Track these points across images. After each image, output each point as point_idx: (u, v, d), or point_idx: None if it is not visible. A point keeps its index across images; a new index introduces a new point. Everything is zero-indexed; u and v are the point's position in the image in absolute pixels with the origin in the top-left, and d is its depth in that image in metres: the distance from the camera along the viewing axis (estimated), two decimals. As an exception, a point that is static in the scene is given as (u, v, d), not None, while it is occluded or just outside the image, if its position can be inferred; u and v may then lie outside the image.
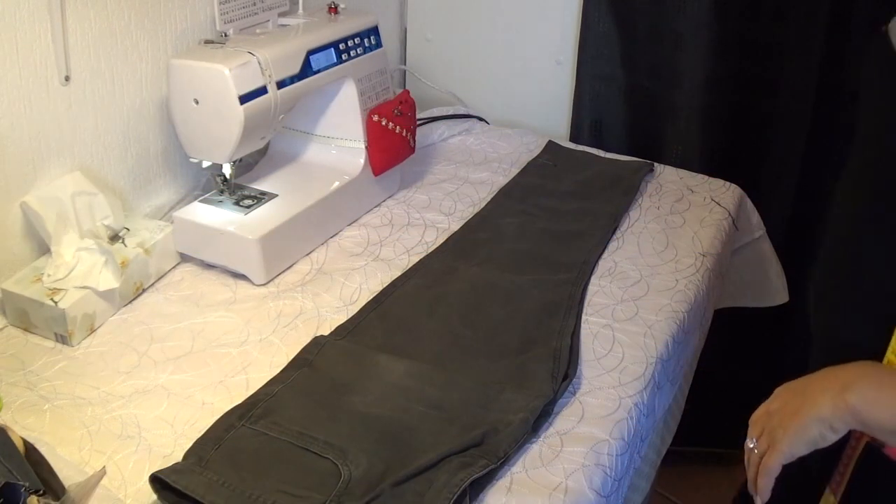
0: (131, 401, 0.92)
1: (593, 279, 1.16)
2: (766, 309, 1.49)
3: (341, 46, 1.23)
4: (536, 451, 0.87)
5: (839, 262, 0.85)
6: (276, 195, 1.21)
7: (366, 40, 1.28)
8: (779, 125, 1.52)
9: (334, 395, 0.92)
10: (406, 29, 1.78)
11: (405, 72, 1.81)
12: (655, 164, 1.48)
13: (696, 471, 1.78)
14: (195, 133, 1.12)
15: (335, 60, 1.22)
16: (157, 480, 0.79)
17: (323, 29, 1.22)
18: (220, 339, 1.03)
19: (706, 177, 1.46)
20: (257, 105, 1.09)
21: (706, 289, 1.19)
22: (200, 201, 1.19)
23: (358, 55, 1.26)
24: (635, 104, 1.58)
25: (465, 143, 1.57)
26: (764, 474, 0.74)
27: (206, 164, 1.17)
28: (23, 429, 0.85)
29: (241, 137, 1.09)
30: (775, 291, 1.48)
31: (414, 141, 1.36)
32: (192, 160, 1.16)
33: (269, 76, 1.10)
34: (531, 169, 1.46)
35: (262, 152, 1.33)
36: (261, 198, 1.20)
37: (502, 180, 1.42)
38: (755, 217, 1.45)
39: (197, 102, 1.08)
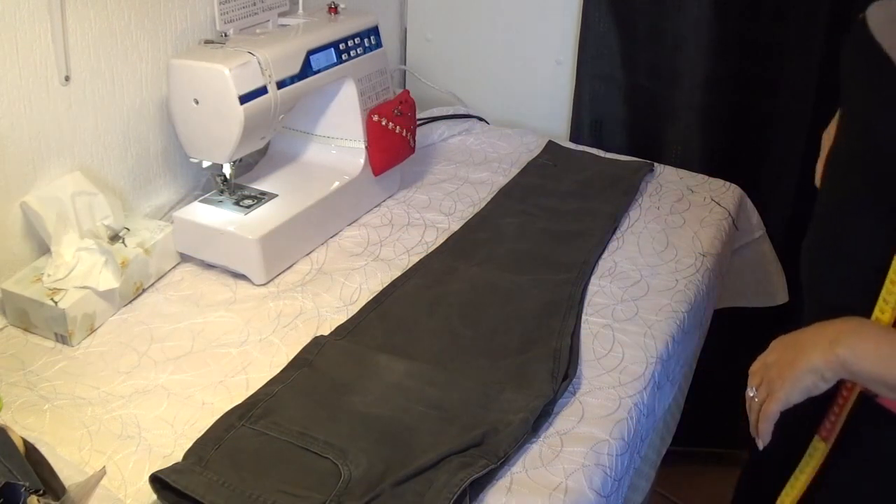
0: (131, 401, 0.92)
1: (593, 279, 1.16)
2: (766, 309, 1.49)
3: (341, 46, 1.23)
4: (536, 451, 0.87)
5: (829, 234, 0.89)
6: (276, 195, 1.21)
7: (366, 40, 1.28)
8: (779, 125, 1.52)
9: (334, 395, 0.92)
10: (406, 29, 1.78)
11: (405, 72, 1.81)
12: (655, 164, 1.48)
13: (696, 471, 1.78)
14: (195, 133, 1.12)
15: (335, 60, 1.22)
16: (157, 480, 0.79)
17: (323, 29, 1.22)
18: (220, 339, 1.03)
19: (706, 177, 1.46)
20: (257, 105, 1.09)
21: (706, 289, 1.19)
22: (200, 201, 1.19)
23: (358, 55, 1.26)
24: (635, 104, 1.58)
25: (465, 143, 1.57)
26: (764, 420, 0.81)
27: (206, 164, 1.17)
28: (23, 429, 0.85)
29: (241, 137, 1.09)
30: (775, 291, 1.48)
31: (414, 141, 1.36)
32: (192, 160, 1.16)
33: (269, 76, 1.10)
34: (531, 169, 1.46)
35: (262, 152, 1.33)
36: (261, 198, 1.20)
37: (502, 180, 1.42)
38: (755, 217, 1.45)
39: (197, 102, 1.08)
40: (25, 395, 0.92)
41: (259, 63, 1.09)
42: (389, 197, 1.37)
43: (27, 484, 0.69)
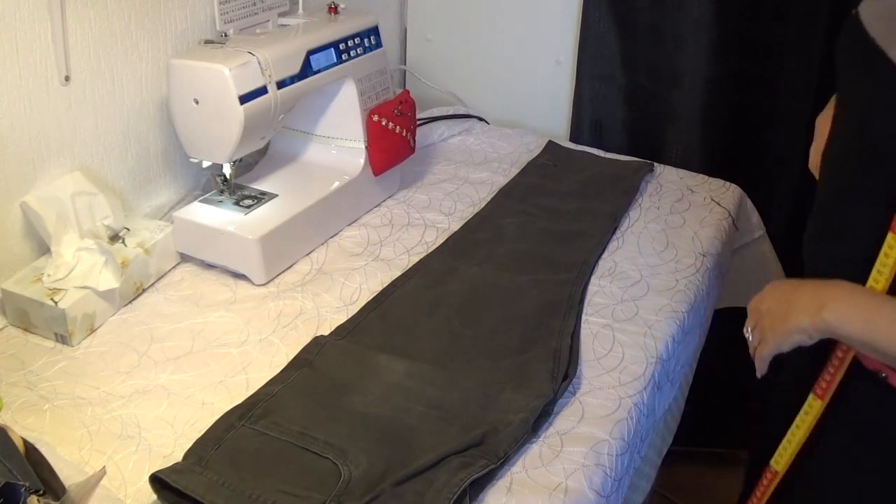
0: (131, 401, 0.92)
1: (593, 279, 1.16)
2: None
3: (341, 46, 1.23)
4: (536, 451, 0.87)
5: (828, 224, 0.93)
6: (276, 195, 1.21)
7: (366, 40, 1.28)
8: (779, 125, 1.52)
9: (334, 395, 0.92)
10: (406, 29, 1.78)
11: (405, 72, 1.81)
12: (655, 164, 1.48)
13: (696, 471, 1.78)
14: (195, 133, 1.12)
15: (335, 60, 1.22)
16: (157, 480, 0.79)
17: (323, 29, 1.22)
18: (220, 339, 1.03)
19: (706, 177, 1.46)
20: (257, 105, 1.09)
21: (706, 289, 1.19)
22: (200, 201, 1.19)
23: (358, 55, 1.26)
24: (635, 104, 1.58)
25: (465, 143, 1.57)
26: (758, 360, 0.91)
27: (206, 164, 1.17)
28: (23, 429, 0.85)
29: (241, 137, 1.09)
30: (775, 291, 1.48)
31: (414, 141, 1.36)
32: (192, 160, 1.16)
33: (269, 76, 1.10)
34: (531, 169, 1.46)
35: (262, 152, 1.33)
36: (261, 198, 1.20)
37: (502, 180, 1.42)
38: (755, 217, 1.45)
39: (197, 102, 1.08)
40: (25, 395, 0.92)
41: (259, 63, 1.09)
42: (389, 197, 1.37)
43: (27, 484, 0.69)
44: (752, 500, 1.01)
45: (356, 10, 1.30)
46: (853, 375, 0.87)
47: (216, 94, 1.07)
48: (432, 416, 0.89)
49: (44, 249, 1.08)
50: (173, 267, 1.17)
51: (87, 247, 1.04)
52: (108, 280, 1.03)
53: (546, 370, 0.96)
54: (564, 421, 0.91)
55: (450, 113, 1.63)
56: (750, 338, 0.93)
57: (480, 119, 1.66)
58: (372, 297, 1.11)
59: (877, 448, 0.88)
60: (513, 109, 1.71)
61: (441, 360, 0.99)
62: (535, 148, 1.54)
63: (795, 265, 1.49)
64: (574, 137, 1.63)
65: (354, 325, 1.05)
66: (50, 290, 1.01)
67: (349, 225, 1.28)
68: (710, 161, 1.54)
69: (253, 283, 1.13)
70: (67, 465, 0.78)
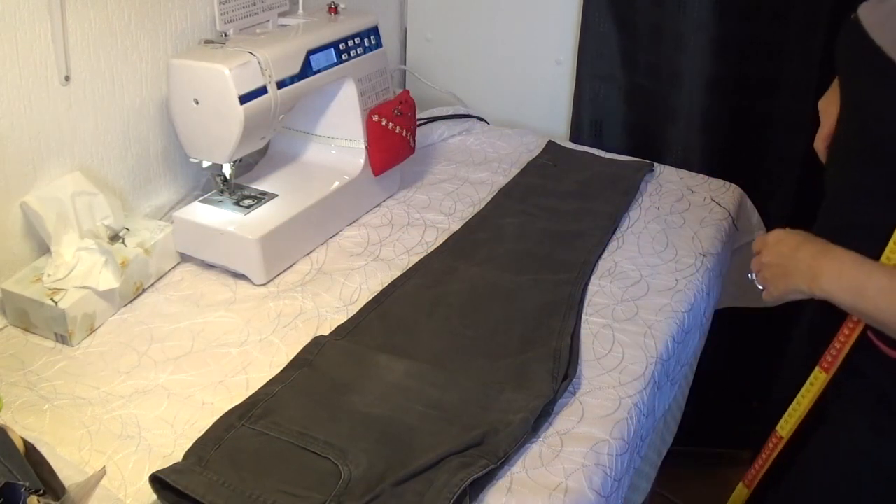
0: (131, 401, 0.92)
1: (593, 279, 1.16)
2: (765, 309, 1.49)
3: (341, 46, 1.23)
4: (536, 451, 0.87)
5: (835, 221, 0.96)
6: (276, 195, 1.21)
7: (366, 40, 1.28)
8: (779, 125, 1.52)
9: (334, 395, 0.92)
10: (406, 29, 1.78)
11: (405, 72, 1.81)
12: (655, 164, 1.48)
13: (696, 471, 1.78)
14: (195, 133, 1.12)
15: (335, 60, 1.22)
16: (157, 480, 0.79)
17: (323, 29, 1.22)
18: (220, 339, 1.03)
19: (706, 177, 1.46)
20: (257, 105, 1.09)
21: (706, 289, 1.19)
22: (200, 201, 1.19)
23: (358, 55, 1.26)
24: (635, 104, 1.58)
25: (465, 143, 1.57)
26: (766, 299, 0.98)
27: (206, 164, 1.17)
28: (23, 429, 0.85)
29: (241, 137, 1.09)
30: (775, 291, 1.48)
31: (414, 141, 1.36)
32: (192, 160, 1.16)
33: (269, 76, 1.10)
34: (531, 169, 1.46)
35: (262, 152, 1.33)
36: (261, 198, 1.20)
37: (502, 180, 1.42)
38: (755, 217, 1.45)
39: (197, 102, 1.08)
40: (25, 395, 0.92)
41: (259, 63, 1.09)
42: (389, 197, 1.37)
43: (27, 484, 0.69)
44: (757, 463, 1.07)
45: (356, 10, 1.30)
46: (859, 350, 0.91)
47: (216, 94, 1.07)
48: (432, 416, 0.89)
49: (44, 249, 1.08)
50: (173, 267, 1.17)
51: (87, 247, 1.04)
52: (108, 280, 1.03)
53: (546, 370, 0.96)
54: (564, 421, 0.91)
55: (450, 113, 1.63)
56: (755, 280, 1.00)
57: (480, 119, 1.66)
58: (372, 297, 1.11)
59: (879, 422, 0.91)
60: (513, 109, 1.71)
61: (441, 360, 0.99)
62: (535, 148, 1.54)
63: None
64: (574, 137, 1.63)
65: (354, 325, 1.05)
66: (50, 290, 1.01)
67: (349, 225, 1.28)
68: (710, 161, 1.54)
69: (253, 283, 1.13)
70: (67, 465, 0.78)
